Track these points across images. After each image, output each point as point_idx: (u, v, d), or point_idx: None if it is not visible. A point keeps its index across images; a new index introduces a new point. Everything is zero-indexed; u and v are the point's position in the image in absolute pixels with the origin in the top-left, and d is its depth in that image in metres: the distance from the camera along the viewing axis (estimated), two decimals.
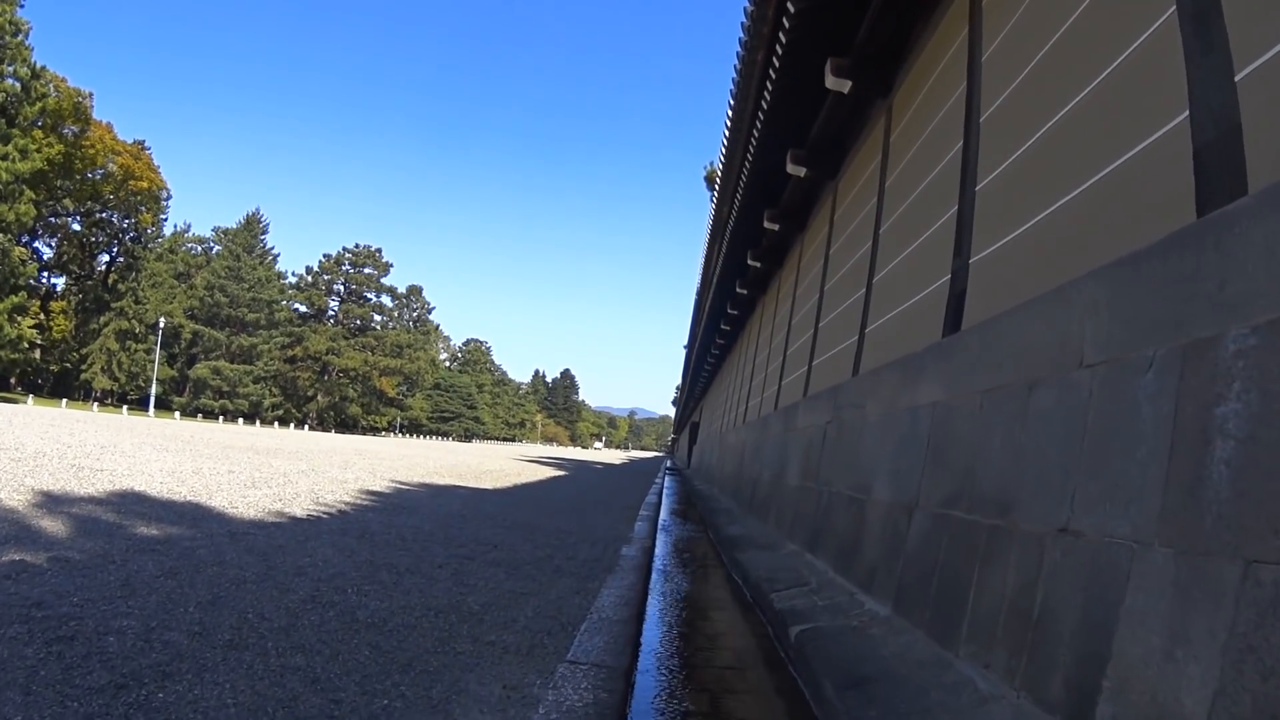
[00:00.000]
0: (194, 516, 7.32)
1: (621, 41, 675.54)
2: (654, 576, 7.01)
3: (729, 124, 10.65)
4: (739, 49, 8.72)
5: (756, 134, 9.95)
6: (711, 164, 31.21)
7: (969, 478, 4.32)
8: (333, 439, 38.78)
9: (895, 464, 5.64)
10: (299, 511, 8.40)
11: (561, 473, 26.51)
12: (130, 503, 7.59)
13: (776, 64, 7.97)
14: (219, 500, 8.54)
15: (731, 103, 10.18)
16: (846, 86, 8.02)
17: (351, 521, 7.94)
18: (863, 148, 9.28)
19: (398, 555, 6.20)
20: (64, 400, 57.30)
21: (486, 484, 15.43)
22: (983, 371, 4.48)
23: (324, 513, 8.50)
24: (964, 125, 5.76)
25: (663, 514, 15.11)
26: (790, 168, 10.80)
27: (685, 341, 45.01)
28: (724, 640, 5.19)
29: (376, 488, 11.58)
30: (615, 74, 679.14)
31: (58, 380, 69.77)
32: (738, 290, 18.53)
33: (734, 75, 9.39)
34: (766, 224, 13.33)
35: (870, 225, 8.37)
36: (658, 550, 9.27)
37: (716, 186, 14.97)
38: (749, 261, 15.88)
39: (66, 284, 71.72)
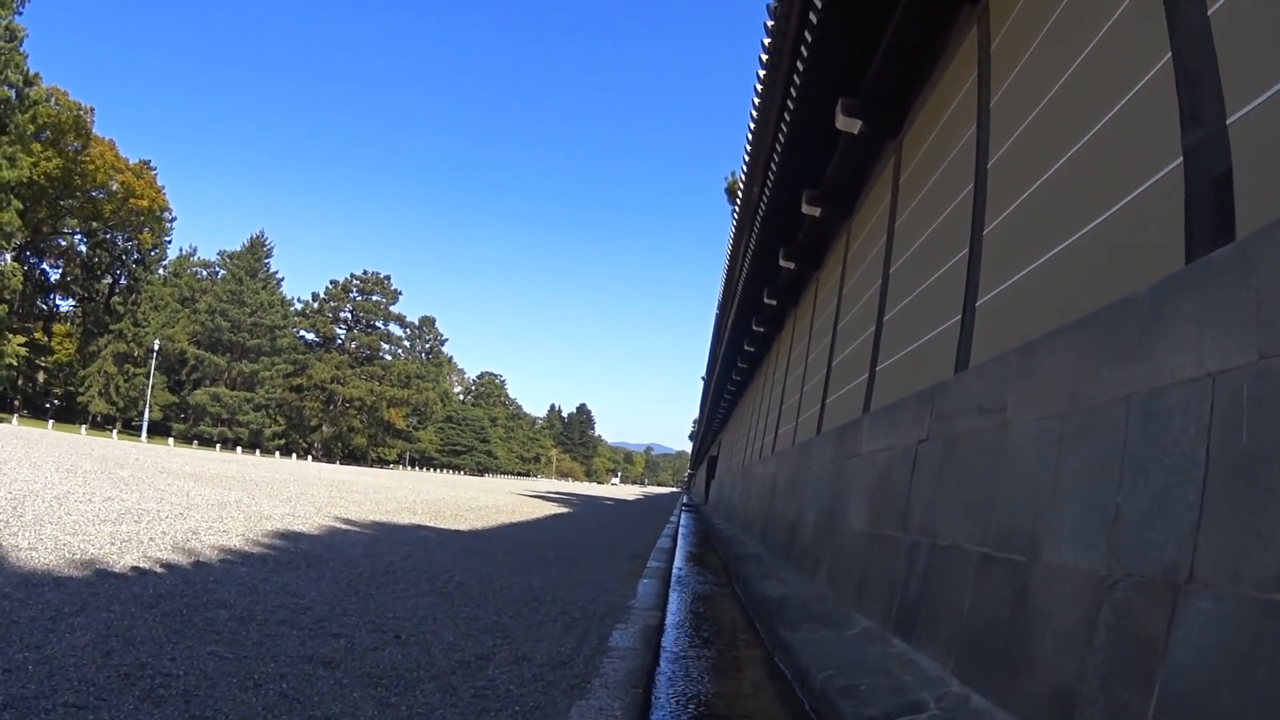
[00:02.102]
0: None
1: (639, 70, 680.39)
2: (659, 684, 4.43)
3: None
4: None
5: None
6: (733, 174, 29.12)
7: None
8: (320, 469, 35.89)
9: (1098, 501, 3.16)
10: (134, 560, 5.89)
11: (564, 509, 23.73)
12: None
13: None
14: (25, 537, 6.11)
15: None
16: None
17: (199, 582, 5.38)
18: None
19: (202, 652, 3.63)
20: (50, 423, 55.07)
21: (464, 524, 12.76)
22: None
23: (174, 563, 5.97)
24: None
25: (677, 560, 12.54)
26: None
27: (703, 373, 42.74)
28: None
29: (302, 528, 9.05)
30: (634, 105, 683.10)
31: (63, 404, 68.04)
32: (765, 300, 16.03)
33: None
34: (805, 207, 10.95)
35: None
36: (670, 620, 6.69)
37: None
38: (781, 262, 13.44)
39: (71, 307, 70.56)
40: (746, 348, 21.46)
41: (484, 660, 4.00)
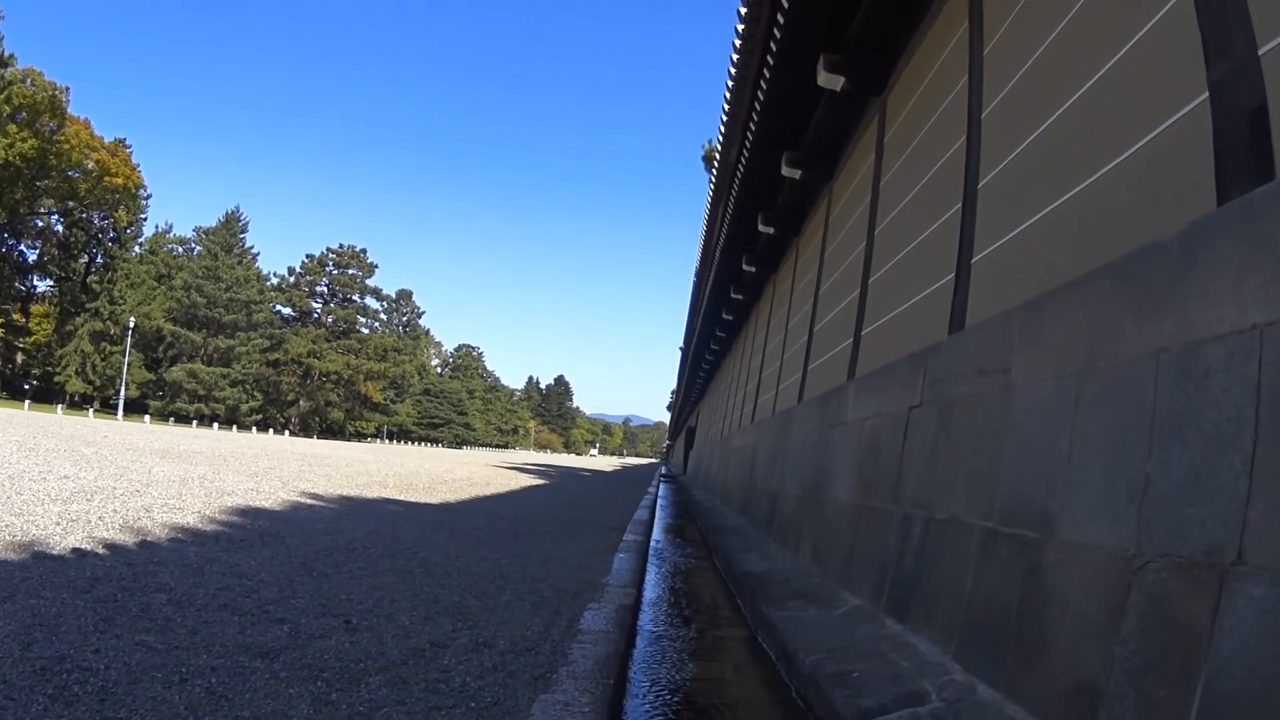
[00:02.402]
0: None
1: (617, 40, 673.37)
2: (635, 669, 4.10)
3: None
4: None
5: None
6: (710, 143, 28.60)
7: None
8: (294, 444, 35.19)
9: (1124, 472, 2.84)
10: (77, 541, 5.46)
11: (541, 481, 23.36)
12: None
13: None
14: None
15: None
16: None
17: (141, 563, 4.94)
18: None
19: (130, 643, 3.20)
20: (26, 404, 54.11)
21: (435, 498, 12.32)
22: None
23: (118, 544, 5.55)
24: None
25: (655, 532, 12.25)
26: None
27: (680, 343, 42.39)
28: None
29: (264, 504, 8.62)
30: (612, 75, 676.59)
31: (42, 385, 66.90)
32: (744, 267, 15.66)
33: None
34: (786, 169, 10.56)
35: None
36: (647, 596, 6.37)
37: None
38: (760, 227, 13.06)
39: (49, 287, 69.24)
40: (725, 316, 21.11)
41: (440, 648, 3.62)
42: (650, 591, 6.77)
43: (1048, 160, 4.16)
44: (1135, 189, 3.36)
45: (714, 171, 14.09)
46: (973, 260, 5.05)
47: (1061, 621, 2.97)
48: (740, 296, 18.19)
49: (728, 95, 9.76)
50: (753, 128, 9.67)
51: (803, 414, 8.84)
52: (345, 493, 11.26)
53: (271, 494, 9.70)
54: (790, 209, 12.61)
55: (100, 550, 5.24)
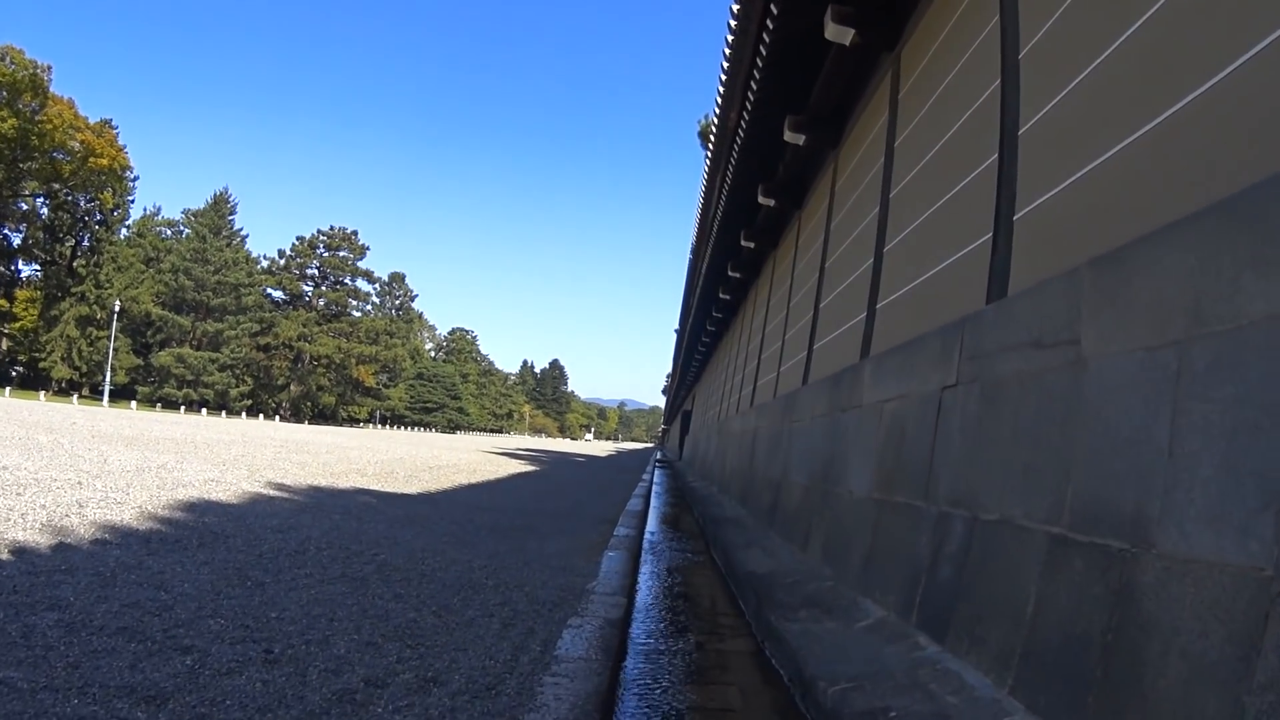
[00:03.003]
0: None
1: (613, 17, 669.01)
2: (623, 700, 3.39)
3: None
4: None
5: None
6: (707, 117, 27.74)
7: None
8: (279, 430, 34.19)
9: (1254, 466, 2.15)
10: None
11: (532, 467, 22.60)
12: None
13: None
14: None
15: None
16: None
17: (46, 571, 4.14)
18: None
19: None
20: (7, 390, 53.21)
21: (415, 487, 11.56)
22: None
23: (29, 547, 4.76)
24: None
25: (650, 522, 11.56)
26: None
27: (676, 325, 41.67)
28: None
29: (221, 497, 7.86)
30: (605, 52, 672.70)
31: (29, 372, 65.96)
32: (743, 243, 14.92)
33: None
34: (788, 134, 9.80)
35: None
36: (640, 599, 5.67)
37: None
38: (760, 199, 12.33)
39: (35, 271, 68.22)
40: (722, 296, 20.36)
41: (377, 688, 2.88)
42: (644, 593, 6.09)
43: (1115, 94, 3.44)
44: (1239, 110, 2.65)
45: (710, 147, 13.36)
46: (1015, 217, 4.34)
47: (1166, 660, 2.30)
48: (738, 275, 17.45)
49: (726, 52, 9.00)
50: (754, 87, 8.93)
51: (809, 397, 8.14)
52: (317, 482, 10.51)
53: (233, 485, 8.96)
54: (793, 179, 11.89)
55: (3, 555, 4.52)
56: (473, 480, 14.51)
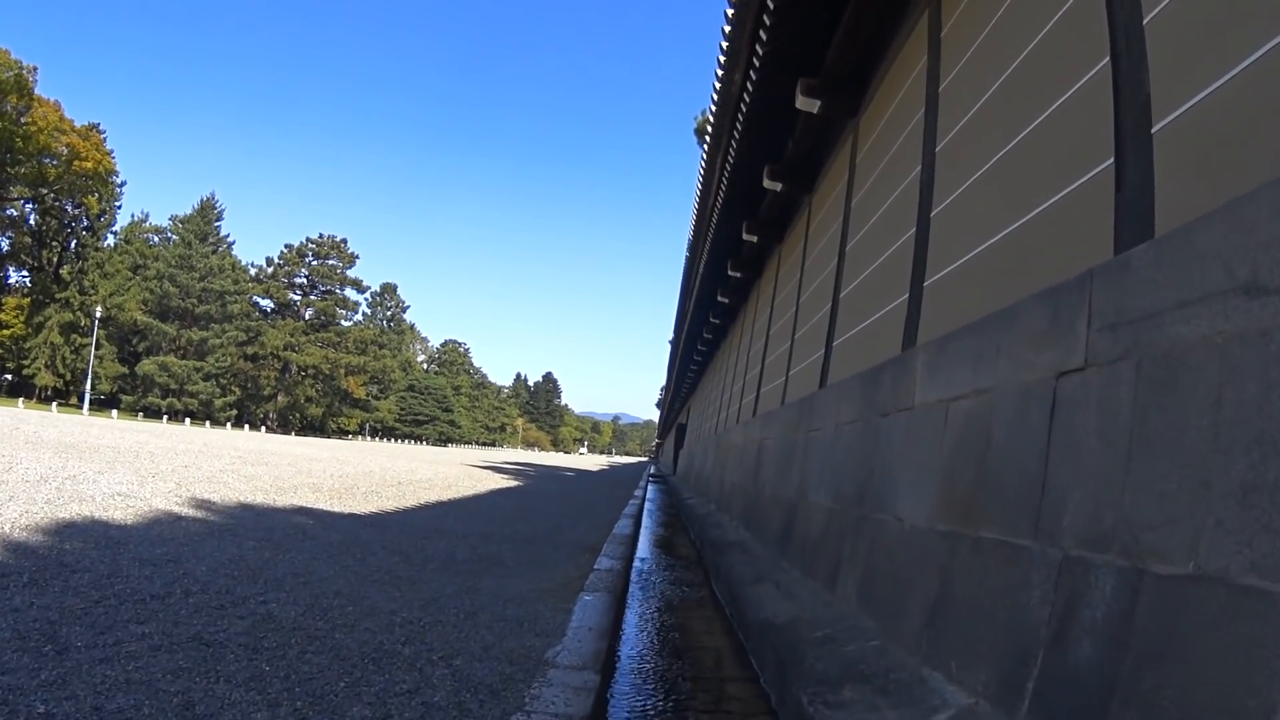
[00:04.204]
0: None
1: (606, 28, 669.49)
2: None
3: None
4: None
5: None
6: (703, 113, 26.50)
7: None
8: (251, 440, 31.92)
9: None
10: None
11: (515, 482, 21.01)
12: None
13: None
14: None
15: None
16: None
17: None
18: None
19: None
20: None
21: (371, 505, 9.99)
22: None
23: None
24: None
25: (641, 546, 10.16)
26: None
27: (670, 336, 40.34)
28: None
29: (115, 516, 6.28)
30: (601, 69, 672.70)
31: (16, 379, 64.36)
32: (745, 237, 13.57)
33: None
34: (802, 99, 8.47)
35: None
36: (624, 661, 4.26)
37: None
38: (766, 182, 11.01)
39: (23, 278, 66.83)
40: (720, 299, 19.01)
41: None
42: (629, 647, 4.69)
43: None
44: None
45: (709, 130, 12.03)
46: (1153, 129, 3.01)
47: None
48: (738, 274, 16.11)
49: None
50: (763, 37, 7.60)
51: (832, 401, 6.75)
52: (253, 500, 9.00)
53: (143, 501, 7.52)
54: (803, 160, 10.54)
55: None
56: (443, 497, 12.98)
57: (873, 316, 6.40)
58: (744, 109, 9.21)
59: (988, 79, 4.82)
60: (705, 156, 12.15)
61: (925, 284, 5.28)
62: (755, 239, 13.43)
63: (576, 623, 4.21)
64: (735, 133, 9.90)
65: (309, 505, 9.27)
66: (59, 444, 13.74)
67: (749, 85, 8.68)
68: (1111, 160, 3.28)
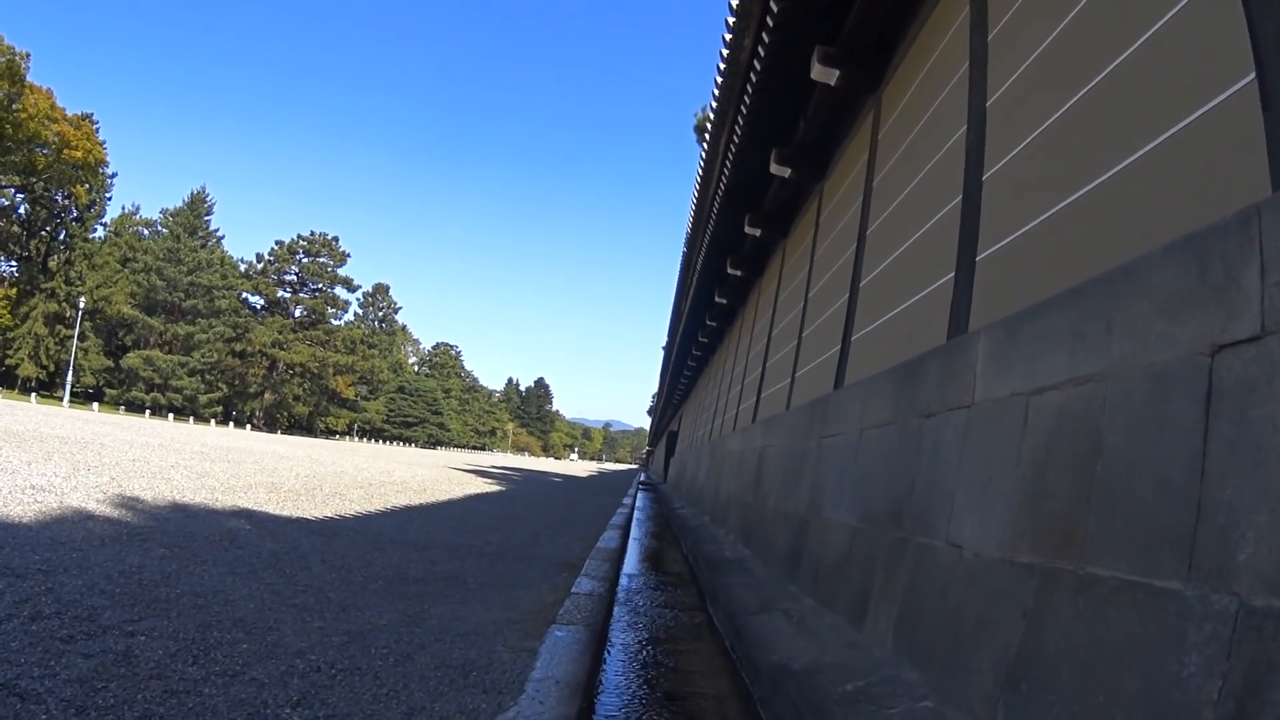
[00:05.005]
0: None
1: (603, 34, 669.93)
2: None
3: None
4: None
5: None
6: (703, 109, 25.68)
7: None
8: (222, 437, 30.29)
9: None
10: None
11: (497, 487, 19.96)
12: None
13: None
14: None
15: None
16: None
17: None
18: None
19: None
20: None
21: (328, 509, 8.94)
22: None
23: None
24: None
25: (629, 560, 9.23)
26: None
27: (664, 342, 39.43)
28: None
29: (18, 514, 5.38)
30: (592, 66, 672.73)
31: (4, 370, 63.05)
32: (746, 230, 12.67)
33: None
34: (819, 68, 7.60)
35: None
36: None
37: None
38: (773, 167, 10.12)
39: (11, 268, 65.52)
40: (719, 300, 18.10)
41: None
42: (610, 696, 3.76)
43: None
44: None
45: (705, 142, 11.15)
46: None
47: None
48: (739, 272, 15.22)
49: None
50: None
51: (853, 401, 5.83)
52: (190, 499, 7.99)
53: (58, 497, 6.56)
54: (815, 142, 9.65)
55: None
56: (414, 502, 11.97)
57: (905, 303, 5.50)
58: (753, 79, 8.33)
59: (1061, 6, 3.94)
60: (708, 140, 11.23)
61: (978, 258, 4.38)
62: (758, 232, 12.54)
63: (541, 672, 3.21)
64: (743, 108, 8.99)
65: (254, 507, 8.26)
66: (4, 432, 12.76)
67: (759, 50, 7.81)
68: (1254, 74, 2.41)
